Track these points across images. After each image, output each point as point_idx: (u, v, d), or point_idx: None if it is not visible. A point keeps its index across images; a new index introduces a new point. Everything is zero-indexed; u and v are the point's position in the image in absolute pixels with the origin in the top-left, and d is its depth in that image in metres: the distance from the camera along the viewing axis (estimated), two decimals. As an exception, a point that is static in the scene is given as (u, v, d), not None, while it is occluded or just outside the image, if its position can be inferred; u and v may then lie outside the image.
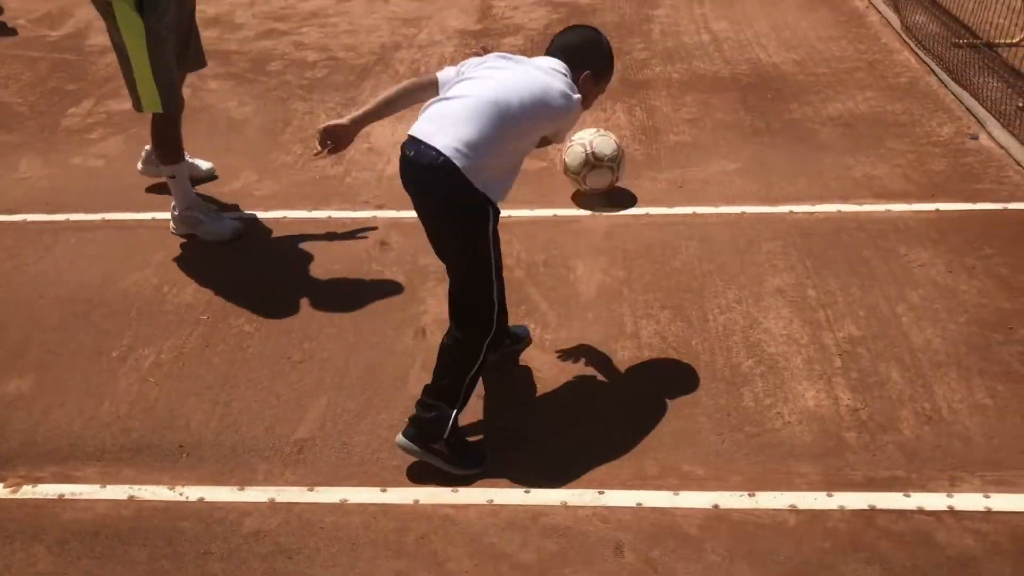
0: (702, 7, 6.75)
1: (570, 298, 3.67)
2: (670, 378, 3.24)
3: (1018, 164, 4.45)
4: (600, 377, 3.28)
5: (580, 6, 6.83)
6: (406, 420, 2.88)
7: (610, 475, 2.86)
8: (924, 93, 5.25)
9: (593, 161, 4.15)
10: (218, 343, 3.50)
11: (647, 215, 4.20)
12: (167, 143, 4.02)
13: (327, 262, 3.97)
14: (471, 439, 2.97)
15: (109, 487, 2.89)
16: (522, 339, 3.40)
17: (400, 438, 2.84)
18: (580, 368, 3.31)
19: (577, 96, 2.86)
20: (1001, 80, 5.14)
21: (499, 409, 3.15)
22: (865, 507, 2.71)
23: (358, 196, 4.45)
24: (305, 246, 4.08)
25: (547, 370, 3.31)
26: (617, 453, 2.93)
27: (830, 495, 2.76)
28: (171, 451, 3.03)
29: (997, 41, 5.57)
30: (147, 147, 4.47)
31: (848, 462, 2.87)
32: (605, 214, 4.22)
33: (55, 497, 2.86)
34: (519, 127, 2.79)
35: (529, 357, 3.37)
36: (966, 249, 3.85)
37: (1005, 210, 4.12)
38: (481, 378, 2.96)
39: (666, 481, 2.83)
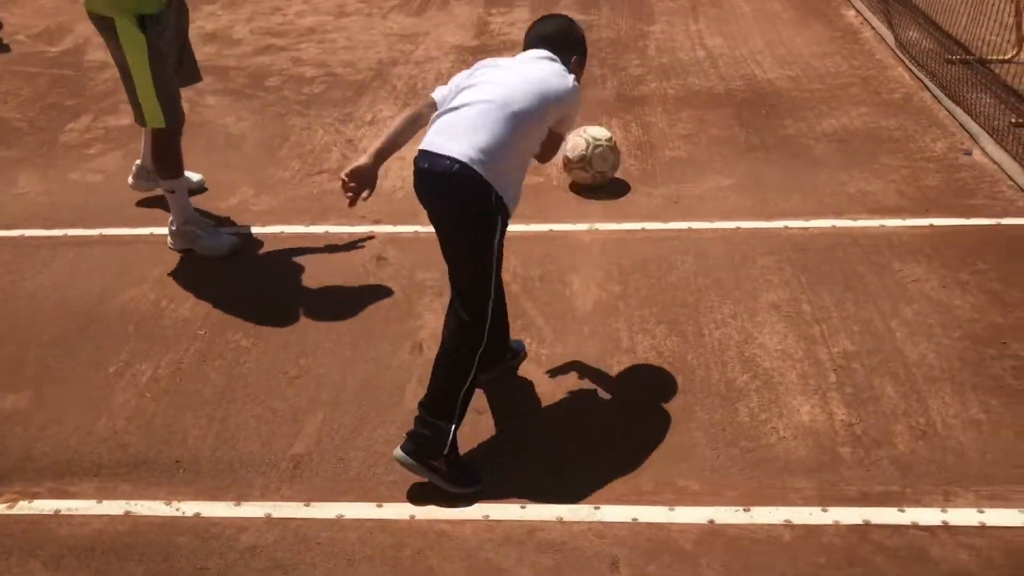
0: (697, 23, 6.80)
1: (566, 313, 3.69)
2: (666, 393, 3.25)
3: (1011, 180, 4.48)
4: (596, 392, 3.29)
5: (576, 22, 6.86)
6: (404, 435, 2.88)
7: (606, 490, 2.87)
8: (918, 109, 5.29)
9: (594, 143, 4.44)
10: (215, 358, 3.51)
11: (643, 230, 4.22)
12: (168, 158, 4.04)
13: (324, 277, 3.98)
14: (467, 455, 2.98)
15: (105, 502, 2.89)
16: (518, 353, 3.41)
17: (398, 452, 2.84)
18: (576, 383, 3.32)
19: (573, 77, 2.96)
20: (994, 96, 5.18)
21: (494, 424, 3.15)
22: (860, 522, 2.72)
23: (355, 211, 4.45)
24: (302, 261, 4.09)
25: (543, 385, 3.32)
26: (613, 468, 2.94)
27: (825, 510, 2.76)
28: (168, 466, 3.03)
29: (990, 57, 5.62)
30: (138, 161, 4.50)
31: (843, 477, 2.88)
32: (601, 228, 4.24)
33: (51, 513, 2.86)
34: (528, 121, 2.85)
35: (525, 372, 3.38)
36: (960, 264, 3.87)
37: (998, 225, 4.15)
38: (476, 393, 2.97)
39: (662, 496, 2.84)
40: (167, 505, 2.88)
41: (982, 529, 2.68)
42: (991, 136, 4.79)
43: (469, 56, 6.27)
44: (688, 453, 2.99)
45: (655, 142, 5.04)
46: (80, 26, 6.88)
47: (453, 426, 2.83)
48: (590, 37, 6.42)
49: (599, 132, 4.52)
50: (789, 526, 2.72)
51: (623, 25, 6.82)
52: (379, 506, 2.84)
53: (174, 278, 4.00)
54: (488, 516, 2.79)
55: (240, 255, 4.15)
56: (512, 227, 4.20)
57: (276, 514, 2.83)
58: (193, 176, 4.63)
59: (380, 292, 3.86)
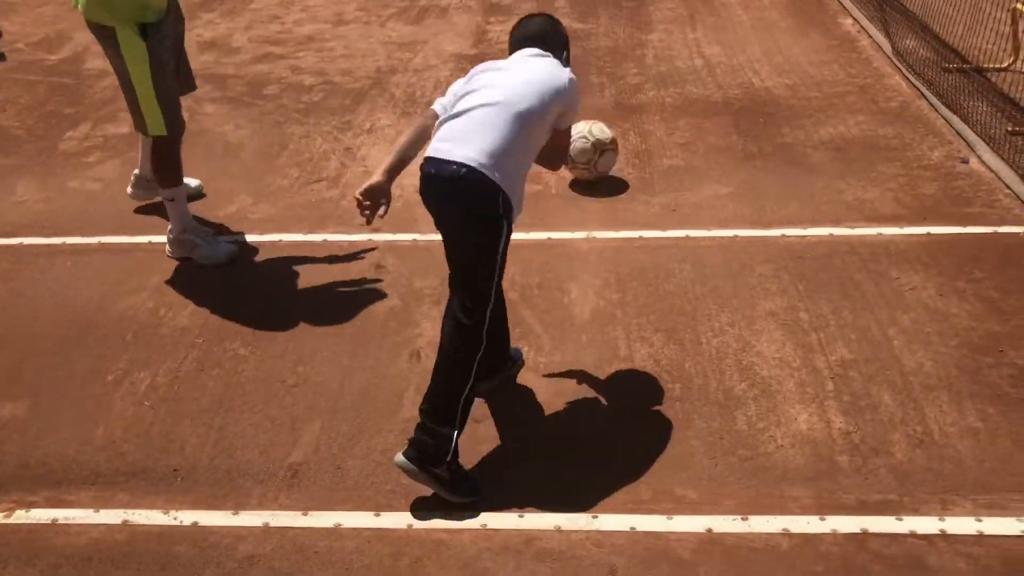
0: (695, 32, 6.81)
1: (564, 321, 3.69)
2: (663, 401, 3.25)
3: (1008, 188, 4.49)
4: (594, 400, 3.29)
5: (574, 30, 6.89)
6: (406, 441, 2.87)
7: (604, 499, 2.86)
8: (915, 117, 5.30)
9: (600, 147, 4.58)
10: (213, 366, 3.51)
11: (640, 238, 4.23)
12: (168, 166, 4.04)
13: (322, 285, 3.99)
14: (464, 462, 2.98)
15: (103, 511, 2.89)
16: (516, 362, 3.42)
17: (400, 458, 2.82)
18: (574, 391, 3.32)
19: (570, 70, 3.01)
20: (990, 104, 5.20)
21: (493, 432, 3.15)
22: (857, 531, 2.72)
23: (354, 219, 4.45)
24: (300, 269, 4.10)
25: (541, 393, 3.32)
26: (611, 477, 2.94)
27: (823, 519, 2.77)
28: (165, 475, 3.03)
29: (986, 66, 5.64)
30: (136, 171, 4.50)
31: (840, 485, 2.88)
32: (599, 236, 4.25)
33: (48, 522, 2.86)
34: (532, 120, 2.87)
35: (523, 380, 3.38)
36: (957, 272, 3.88)
37: (995, 233, 4.16)
38: (474, 401, 2.97)
39: (659, 505, 2.84)
40: (165, 514, 2.87)
41: (980, 538, 2.69)
42: (988, 144, 4.81)
43: (468, 64, 6.28)
44: (686, 462, 2.99)
45: (653, 150, 5.05)
46: (79, 34, 6.89)
47: (455, 433, 2.83)
48: (588, 46, 6.48)
49: (603, 133, 4.58)
50: (787, 535, 2.72)
51: (621, 34, 6.84)
52: (377, 515, 2.84)
53: (172, 286, 4.00)
54: (486, 525, 2.79)
55: (238, 263, 4.15)
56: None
57: (274, 523, 2.82)
58: (191, 182, 4.63)
59: (378, 300, 3.86)
